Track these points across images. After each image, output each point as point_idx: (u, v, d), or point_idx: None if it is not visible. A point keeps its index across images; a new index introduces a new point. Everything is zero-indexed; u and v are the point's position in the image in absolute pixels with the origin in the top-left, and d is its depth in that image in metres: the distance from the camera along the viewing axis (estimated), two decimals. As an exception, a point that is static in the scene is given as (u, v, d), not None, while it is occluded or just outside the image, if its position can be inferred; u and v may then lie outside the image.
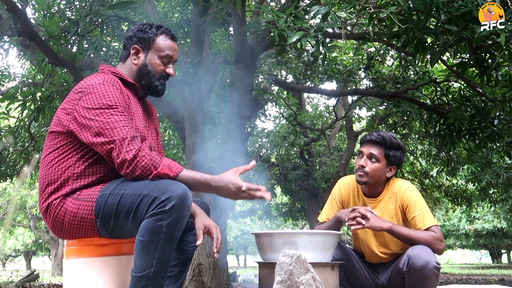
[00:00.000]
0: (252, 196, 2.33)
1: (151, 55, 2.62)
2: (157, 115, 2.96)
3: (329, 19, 4.09)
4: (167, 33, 2.66)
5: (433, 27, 4.35)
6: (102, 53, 7.20)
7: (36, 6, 7.24)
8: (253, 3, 8.58)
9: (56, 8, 6.97)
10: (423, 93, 8.47)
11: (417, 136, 10.57)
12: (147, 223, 2.23)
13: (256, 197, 2.34)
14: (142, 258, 2.25)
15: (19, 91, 7.01)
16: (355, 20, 6.53)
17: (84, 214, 2.38)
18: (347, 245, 3.39)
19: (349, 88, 9.31)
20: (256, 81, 8.10)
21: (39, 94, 7.00)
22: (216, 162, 6.56)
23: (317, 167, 12.57)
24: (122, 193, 2.31)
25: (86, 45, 6.60)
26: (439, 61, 6.54)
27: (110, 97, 2.39)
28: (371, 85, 8.77)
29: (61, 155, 2.46)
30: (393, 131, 9.21)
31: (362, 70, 8.94)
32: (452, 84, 7.94)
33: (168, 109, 6.72)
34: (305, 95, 13.06)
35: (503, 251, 36.03)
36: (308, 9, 4.16)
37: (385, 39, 6.10)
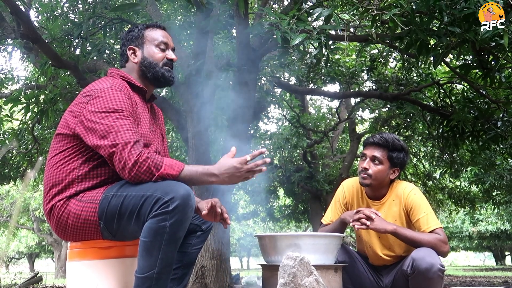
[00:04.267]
0: (254, 170, 2.41)
1: (147, 47, 2.67)
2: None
3: (332, 21, 4.09)
4: (153, 25, 2.74)
5: (436, 29, 4.34)
6: (105, 55, 7.21)
7: (39, 8, 7.26)
8: (255, 6, 8.59)
9: (59, 11, 6.99)
10: (426, 95, 8.45)
11: (420, 138, 10.54)
12: (150, 223, 2.24)
13: (258, 168, 2.41)
14: (145, 259, 2.26)
15: (23, 93, 7.01)
16: (358, 22, 6.52)
17: (87, 216, 2.39)
18: (350, 247, 3.38)
19: (352, 90, 9.29)
20: (259, 83, 8.09)
21: (42, 96, 7.01)
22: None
23: (320, 169, 12.56)
24: (125, 195, 2.33)
25: (89, 48, 6.61)
26: (442, 63, 6.53)
27: (116, 102, 2.41)
28: (374, 87, 8.76)
29: (66, 157, 2.48)
30: (396, 133, 9.20)
31: (365, 72, 8.93)
32: (455, 86, 7.93)
33: (171, 111, 6.73)
34: (308, 97, 13.05)
35: (506, 253, 35.98)
36: (311, 11, 4.17)
37: (388, 41, 6.09)
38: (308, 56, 7.36)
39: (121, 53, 2.73)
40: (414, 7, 3.98)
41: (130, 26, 2.79)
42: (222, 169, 2.41)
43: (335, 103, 12.35)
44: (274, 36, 3.98)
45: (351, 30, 7.28)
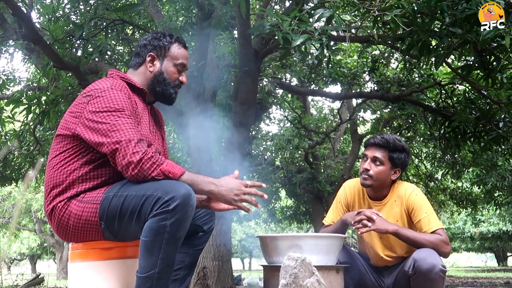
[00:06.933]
0: (250, 198, 2.44)
1: (167, 63, 2.67)
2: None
3: (334, 22, 4.09)
4: (180, 41, 2.72)
5: (437, 30, 4.34)
6: (106, 57, 7.21)
7: (41, 10, 7.26)
8: (257, 6, 8.59)
9: (60, 12, 6.99)
10: (428, 95, 8.45)
11: (421, 139, 10.54)
12: (151, 223, 2.24)
13: (252, 199, 2.44)
14: (146, 259, 2.26)
15: (24, 95, 7.01)
16: (359, 23, 6.51)
17: (88, 217, 2.39)
18: (352, 248, 3.38)
19: (353, 91, 9.30)
20: (261, 84, 8.09)
21: (44, 98, 7.01)
22: (220, 165, 6.56)
23: (322, 170, 12.55)
24: (126, 195, 2.33)
25: (90, 49, 6.61)
26: (444, 64, 6.52)
27: (117, 101, 2.41)
28: (375, 88, 8.76)
29: (67, 158, 2.48)
30: (398, 134, 9.19)
31: (367, 73, 8.93)
32: (457, 87, 7.92)
33: (172, 112, 6.73)
34: (310, 98, 13.06)
35: (508, 254, 35.94)
36: (312, 12, 4.16)
37: (389, 42, 6.10)
38: (309, 57, 7.35)
39: (138, 52, 2.70)
40: (415, 8, 3.97)
41: (161, 32, 2.76)
42: (223, 182, 2.44)
43: (337, 104, 12.35)
44: (276, 37, 3.97)
45: (353, 31, 7.26)
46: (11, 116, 8.05)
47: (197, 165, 6.15)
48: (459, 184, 13.49)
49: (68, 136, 2.48)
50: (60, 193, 2.45)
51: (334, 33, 5.91)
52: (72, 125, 2.46)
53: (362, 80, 9.45)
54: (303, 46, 3.97)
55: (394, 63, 9.50)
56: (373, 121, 11.41)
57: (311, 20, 4.22)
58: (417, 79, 8.32)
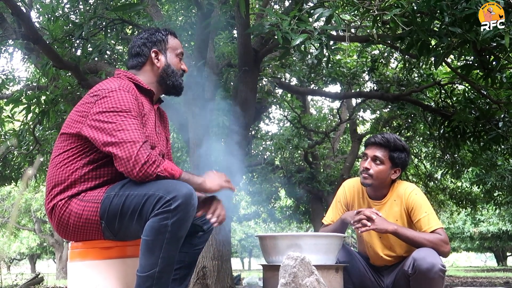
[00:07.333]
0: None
1: (170, 55, 2.72)
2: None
3: (333, 22, 4.09)
4: (172, 32, 2.78)
5: (437, 29, 4.33)
6: (106, 56, 7.20)
7: (40, 9, 7.26)
8: (257, 6, 8.59)
9: (60, 12, 6.99)
10: (427, 95, 8.44)
11: (421, 138, 10.54)
12: (152, 222, 2.25)
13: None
14: (147, 258, 2.27)
15: (24, 94, 7.00)
16: (359, 23, 6.52)
17: (89, 215, 2.40)
18: (351, 247, 3.38)
19: (353, 91, 9.29)
20: (260, 84, 8.09)
21: (43, 97, 7.00)
22: (220, 165, 6.55)
23: (321, 170, 12.53)
24: (127, 194, 2.33)
25: (90, 49, 6.60)
26: (443, 63, 6.52)
27: (123, 102, 2.42)
28: (375, 88, 8.75)
29: (70, 157, 2.48)
30: (398, 133, 9.19)
31: (366, 72, 8.92)
32: (457, 87, 7.92)
33: (172, 112, 6.73)
34: (309, 97, 13.05)
35: (508, 253, 35.96)
36: (312, 11, 4.16)
37: (389, 42, 6.09)
38: (309, 56, 7.34)
39: (137, 52, 2.70)
40: (415, 8, 3.97)
41: (152, 28, 2.81)
42: (208, 175, 2.56)
43: (336, 104, 12.35)
44: (275, 37, 3.97)
45: (352, 30, 7.27)
46: (10, 115, 8.05)
47: (197, 164, 6.15)
48: (459, 184, 13.49)
49: (72, 135, 2.49)
50: (62, 191, 2.46)
51: (334, 32, 5.90)
52: (77, 124, 2.46)
53: (361, 79, 9.44)
54: (303, 45, 3.96)
55: (393, 63, 9.50)
56: (373, 120, 11.40)
57: (310, 19, 4.22)
58: (416, 78, 8.32)
